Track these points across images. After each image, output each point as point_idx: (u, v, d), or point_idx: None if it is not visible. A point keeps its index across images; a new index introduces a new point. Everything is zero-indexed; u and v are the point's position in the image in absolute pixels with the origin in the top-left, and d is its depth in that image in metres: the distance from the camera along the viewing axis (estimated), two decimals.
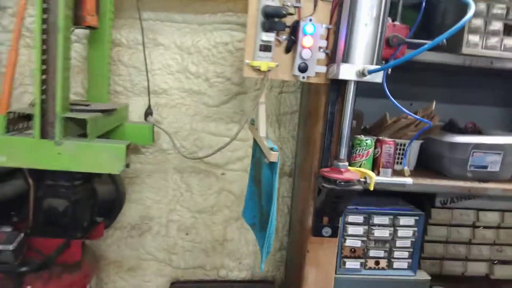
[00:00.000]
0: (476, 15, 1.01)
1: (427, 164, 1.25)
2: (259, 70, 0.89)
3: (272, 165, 0.80)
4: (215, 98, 1.50)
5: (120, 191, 1.32)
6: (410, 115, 0.89)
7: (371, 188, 0.92)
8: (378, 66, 0.82)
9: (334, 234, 1.00)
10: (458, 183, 1.11)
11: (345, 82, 0.89)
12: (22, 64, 1.42)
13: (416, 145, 1.23)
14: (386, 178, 0.93)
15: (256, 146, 1.06)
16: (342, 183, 0.87)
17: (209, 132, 1.53)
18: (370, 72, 0.80)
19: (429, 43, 0.68)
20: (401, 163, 1.22)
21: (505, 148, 1.14)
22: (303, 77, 0.90)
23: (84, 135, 0.96)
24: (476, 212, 1.27)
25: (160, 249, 1.59)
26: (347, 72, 0.83)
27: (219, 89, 1.50)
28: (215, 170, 1.56)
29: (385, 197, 1.22)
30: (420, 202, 1.24)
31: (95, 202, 1.22)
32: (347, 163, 0.89)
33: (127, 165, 0.98)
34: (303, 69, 0.89)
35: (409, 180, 0.95)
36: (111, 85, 1.45)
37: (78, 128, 0.99)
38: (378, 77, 0.84)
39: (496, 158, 1.15)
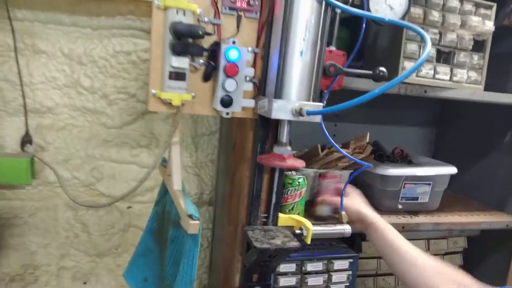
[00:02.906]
0: (411, 39, 0.92)
1: None
2: (170, 103, 0.69)
3: (192, 236, 0.61)
4: (116, 118, 1.25)
5: None
6: (350, 158, 0.77)
7: (309, 241, 0.78)
8: (318, 104, 0.68)
9: None
10: (392, 219, 1.03)
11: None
12: None
13: (346, 175, 1.13)
14: (324, 228, 0.80)
15: (165, 192, 0.85)
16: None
17: (109, 159, 1.26)
18: (309, 113, 0.65)
19: (379, 88, 0.55)
20: None
21: (435, 179, 1.10)
22: (227, 113, 0.72)
23: None
24: None
25: None
26: (281, 110, 0.67)
27: (121, 108, 1.24)
28: (119, 204, 1.30)
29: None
30: (351, 237, 1.15)
31: None
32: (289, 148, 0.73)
33: None
34: (226, 103, 0.70)
35: (347, 228, 0.84)
36: None
37: None
38: (316, 117, 0.70)
39: (426, 189, 1.10)
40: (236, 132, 0.92)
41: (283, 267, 0.94)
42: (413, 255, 0.82)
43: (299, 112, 0.66)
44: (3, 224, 1.20)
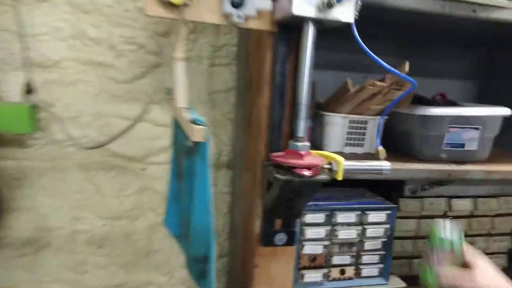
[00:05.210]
0: None
1: (390, 144, 1.02)
2: (170, 3, 0.58)
3: (198, 148, 0.50)
4: (126, 72, 1.16)
5: None
6: (394, 72, 0.63)
7: (339, 177, 0.66)
8: None
9: (290, 241, 0.73)
10: (436, 166, 0.89)
11: (298, 30, 0.61)
12: None
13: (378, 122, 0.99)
14: (357, 163, 0.68)
15: (177, 126, 0.74)
16: (304, 172, 0.60)
17: (120, 115, 1.18)
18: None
19: None
20: (358, 145, 0.99)
21: (485, 121, 0.94)
22: (239, 16, 0.61)
23: None
24: (447, 200, 1.08)
25: (65, 268, 1.23)
26: (303, 4, 0.55)
27: (130, 60, 1.15)
28: (133, 165, 1.22)
29: (346, 188, 0.98)
30: (385, 192, 1.02)
31: None
32: (308, 143, 0.62)
33: None
34: (237, 3, 0.59)
35: (386, 165, 0.71)
36: None
37: None
38: (346, 13, 0.57)
39: (474, 134, 0.95)
40: (252, 62, 0.81)
41: (310, 217, 0.82)
42: None
43: (327, 3, 0.54)
44: (12, 186, 1.14)
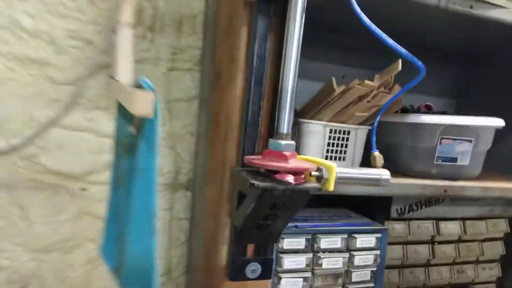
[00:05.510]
0: None
1: None
2: None
3: (143, 128, 0.33)
4: (68, 71, 0.98)
5: None
6: (396, 48, 0.51)
7: (331, 187, 0.51)
8: None
9: (265, 274, 0.57)
10: (430, 181, 0.77)
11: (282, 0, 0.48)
12: None
13: (362, 133, 0.87)
14: (353, 170, 0.54)
15: (119, 115, 0.57)
16: (288, 178, 0.44)
17: (58, 124, 0.98)
18: None
19: None
20: (339, 158, 0.85)
21: (477, 133, 0.85)
22: None
23: None
24: (435, 223, 0.97)
25: None
26: None
27: (74, 58, 0.97)
28: (70, 184, 1.01)
29: (326, 208, 0.84)
30: (368, 213, 0.88)
31: None
32: (293, 142, 0.47)
33: None
34: None
35: (385, 173, 0.57)
36: None
37: None
38: None
39: (467, 147, 0.85)
40: (222, 50, 0.66)
41: (288, 243, 0.66)
42: None
43: None
44: None
